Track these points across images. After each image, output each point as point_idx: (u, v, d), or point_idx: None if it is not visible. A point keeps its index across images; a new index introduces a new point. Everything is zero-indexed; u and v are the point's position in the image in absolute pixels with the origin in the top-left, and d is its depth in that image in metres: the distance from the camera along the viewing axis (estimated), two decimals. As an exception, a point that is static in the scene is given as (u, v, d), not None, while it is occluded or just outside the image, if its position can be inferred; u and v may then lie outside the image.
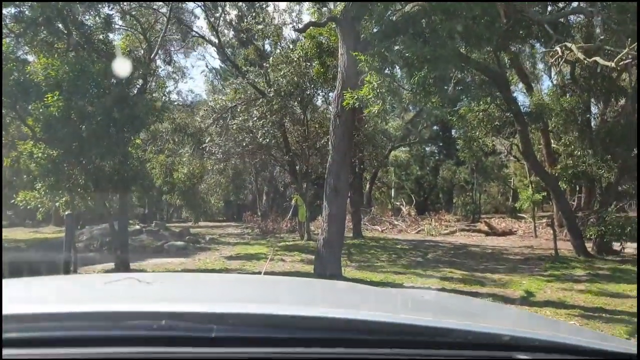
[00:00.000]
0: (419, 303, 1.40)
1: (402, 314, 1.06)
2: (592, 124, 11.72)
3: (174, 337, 0.74)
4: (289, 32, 15.17)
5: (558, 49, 6.00)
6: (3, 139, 8.07)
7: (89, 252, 10.34)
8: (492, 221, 17.61)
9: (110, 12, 9.87)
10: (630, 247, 9.71)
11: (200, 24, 31.79)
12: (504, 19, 6.42)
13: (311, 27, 9.55)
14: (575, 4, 8.69)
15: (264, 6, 14.35)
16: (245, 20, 14.99)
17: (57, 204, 8.04)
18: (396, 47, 6.60)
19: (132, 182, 8.18)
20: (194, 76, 53.08)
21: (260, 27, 13.77)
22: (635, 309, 5.24)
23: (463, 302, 1.81)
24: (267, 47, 15.84)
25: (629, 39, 5.15)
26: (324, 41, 10.35)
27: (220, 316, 0.78)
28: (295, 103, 12.68)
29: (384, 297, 1.56)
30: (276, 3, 14.68)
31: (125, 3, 10.75)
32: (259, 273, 6.88)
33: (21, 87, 7.03)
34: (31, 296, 1.15)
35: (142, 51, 10.55)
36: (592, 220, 10.27)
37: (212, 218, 21.02)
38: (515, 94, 12.17)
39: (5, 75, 6.78)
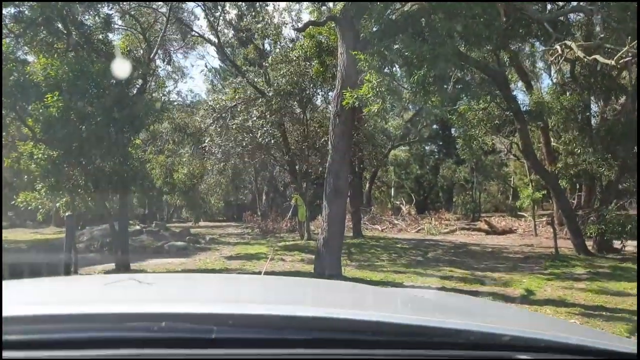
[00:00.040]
0: (419, 302, 1.40)
1: (403, 314, 1.06)
2: (592, 122, 11.72)
3: (174, 338, 0.74)
4: (288, 32, 15.18)
5: (558, 47, 5.99)
6: (3, 139, 8.07)
7: (90, 253, 10.35)
8: (492, 220, 17.60)
9: (110, 12, 9.87)
10: (631, 245, 9.72)
11: (200, 24, 31.77)
12: (504, 18, 6.41)
13: (310, 27, 9.54)
14: (575, 2, 8.69)
15: (264, 5, 14.34)
16: (245, 19, 14.98)
17: (57, 204, 8.04)
18: (395, 46, 6.60)
19: (132, 183, 8.18)
20: (193, 76, 53.09)
21: (259, 26, 13.76)
22: (635, 307, 5.24)
23: (463, 301, 1.81)
24: (267, 47, 15.84)
25: (629, 37, 5.14)
26: (323, 40, 10.34)
27: (220, 317, 0.78)
28: (295, 103, 12.68)
29: (384, 296, 1.55)
30: (276, 3, 14.65)
31: (124, 3, 10.74)
32: (259, 273, 6.88)
33: (21, 87, 7.02)
34: (31, 298, 1.15)
35: (141, 51, 10.55)
36: (592, 218, 10.27)
37: (212, 218, 21.03)
38: (514, 93, 12.16)
39: (5, 76, 6.78)
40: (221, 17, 14.49)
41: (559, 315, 5.05)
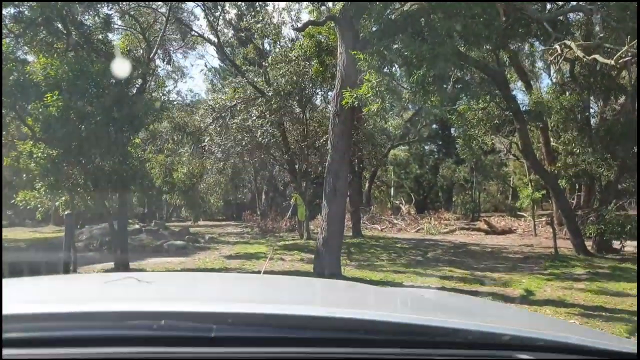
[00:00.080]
0: (419, 302, 1.40)
1: (402, 314, 1.06)
2: (592, 122, 11.72)
3: (173, 336, 0.74)
4: (288, 31, 15.18)
5: (557, 47, 5.99)
6: (3, 138, 8.06)
7: (89, 252, 10.34)
8: (492, 220, 17.61)
9: (110, 12, 9.86)
10: (630, 246, 9.73)
11: (200, 23, 31.74)
12: (503, 17, 6.42)
13: (310, 26, 9.54)
14: (574, 2, 8.68)
15: (264, 5, 14.34)
16: (245, 19, 14.97)
17: (56, 203, 8.04)
18: (395, 46, 6.60)
19: (131, 182, 8.18)
20: (193, 75, 53.05)
21: (259, 26, 13.75)
22: (635, 308, 5.25)
23: (463, 301, 1.81)
24: (267, 47, 15.84)
25: (629, 37, 5.14)
26: (322, 40, 10.34)
27: (219, 316, 0.78)
28: (294, 102, 12.68)
29: (384, 296, 1.56)
30: (275, 2, 14.65)
31: (124, 3, 10.73)
32: (259, 272, 6.88)
33: (21, 87, 7.02)
34: (31, 296, 1.15)
35: (141, 51, 10.54)
36: (591, 218, 10.28)
37: (211, 217, 21.02)
38: (514, 92, 12.16)
39: (5, 75, 6.77)
40: (221, 17, 14.48)
41: (559, 316, 5.05)
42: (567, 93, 10.93)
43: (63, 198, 7.81)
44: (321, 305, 1.21)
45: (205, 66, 25.30)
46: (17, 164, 7.85)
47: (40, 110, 6.99)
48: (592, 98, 11.65)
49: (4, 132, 8.20)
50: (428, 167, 24.99)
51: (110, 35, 9.58)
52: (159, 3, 11.47)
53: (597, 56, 5.76)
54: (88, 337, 0.73)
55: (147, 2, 11.49)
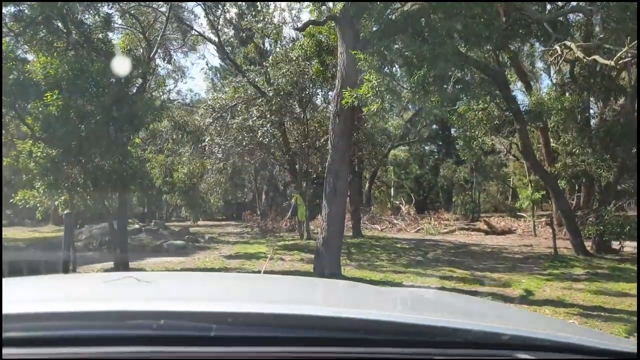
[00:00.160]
0: (419, 302, 1.40)
1: (402, 313, 1.06)
2: (592, 122, 11.73)
3: (173, 336, 0.74)
4: (289, 31, 15.17)
5: (557, 47, 6.00)
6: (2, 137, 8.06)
7: (88, 251, 10.34)
8: (492, 220, 17.62)
9: (110, 11, 9.85)
10: (629, 246, 9.74)
11: (201, 22, 31.72)
12: (503, 18, 6.41)
13: (310, 26, 9.54)
14: (574, 2, 8.69)
15: (264, 5, 14.32)
16: (245, 18, 14.96)
17: (56, 203, 8.02)
18: (395, 46, 6.60)
19: (131, 181, 8.18)
20: (193, 75, 53.03)
21: (259, 25, 13.75)
22: (634, 308, 5.26)
23: (463, 301, 1.81)
24: (267, 46, 15.83)
25: (629, 38, 5.14)
26: (323, 40, 10.35)
27: (219, 315, 0.78)
28: (295, 102, 12.67)
29: (384, 296, 1.56)
30: (276, 2, 14.65)
31: (124, 2, 10.72)
32: (259, 272, 6.88)
33: (20, 86, 7.01)
34: (31, 295, 1.14)
35: (141, 50, 10.53)
36: (591, 219, 10.29)
37: (211, 217, 21.02)
38: (514, 93, 12.16)
39: (5, 74, 6.76)
40: (221, 16, 14.48)
41: (558, 316, 5.06)
42: (567, 94, 10.94)
43: (62, 197, 7.80)
44: (321, 305, 1.21)
45: (206, 65, 25.32)
46: (17, 163, 7.84)
47: (40, 109, 6.98)
48: (592, 99, 11.66)
49: (3, 131, 8.19)
50: (428, 168, 25.01)
51: (110, 35, 9.58)
52: (160, 2, 11.47)
53: (597, 57, 5.77)
54: (88, 337, 0.73)
55: (147, 2, 11.48)
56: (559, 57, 6.20)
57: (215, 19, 14.08)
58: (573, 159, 10.54)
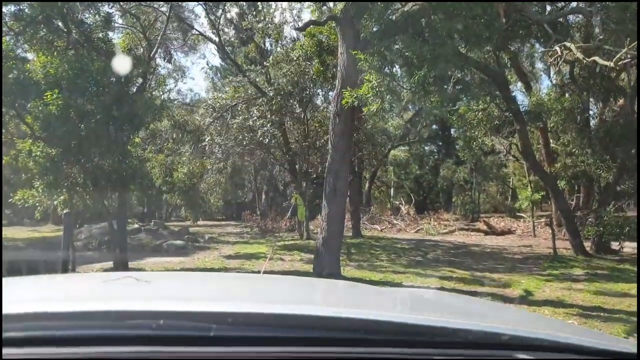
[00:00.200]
0: (419, 302, 1.40)
1: (401, 313, 1.06)
2: (591, 123, 11.74)
3: (173, 336, 0.74)
4: (289, 31, 15.18)
5: (557, 48, 6.00)
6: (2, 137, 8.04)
7: (88, 251, 10.33)
8: (491, 220, 17.63)
9: (110, 11, 9.85)
10: (629, 247, 9.75)
11: (201, 22, 31.70)
12: (504, 19, 6.42)
13: (311, 26, 9.54)
14: (574, 3, 8.69)
15: (265, 5, 14.32)
16: (246, 18, 14.96)
17: (55, 202, 8.02)
18: (396, 46, 6.60)
19: (131, 181, 8.17)
20: (194, 75, 53.02)
21: (260, 25, 13.75)
22: (633, 308, 5.26)
23: (463, 301, 1.81)
24: (268, 45, 15.83)
25: (628, 39, 5.15)
26: (323, 40, 10.35)
27: (219, 315, 0.78)
28: (295, 102, 12.68)
29: (383, 296, 1.56)
30: (276, 2, 14.65)
31: (124, 2, 10.71)
32: (258, 272, 6.88)
33: (20, 85, 7.00)
34: (30, 295, 1.14)
35: (141, 49, 10.52)
36: (590, 219, 10.30)
37: (211, 217, 21.01)
38: (514, 94, 12.17)
39: (5, 74, 6.76)
40: (222, 16, 14.48)
41: (557, 316, 5.06)
42: (567, 94, 10.95)
43: (62, 197, 7.79)
44: (321, 305, 1.21)
45: (207, 64, 25.33)
46: (16, 162, 7.83)
47: (40, 108, 6.98)
48: (591, 99, 11.67)
49: (2, 131, 8.18)
50: (428, 168, 25.02)
51: (110, 34, 9.58)
52: (160, 2, 11.46)
53: (596, 58, 5.78)
54: (87, 337, 0.73)
55: (147, 1, 11.47)
56: (559, 58, 6.21)
57: (216, 18, 14.07)
58: (573, 159, 10.55)
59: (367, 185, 21.12)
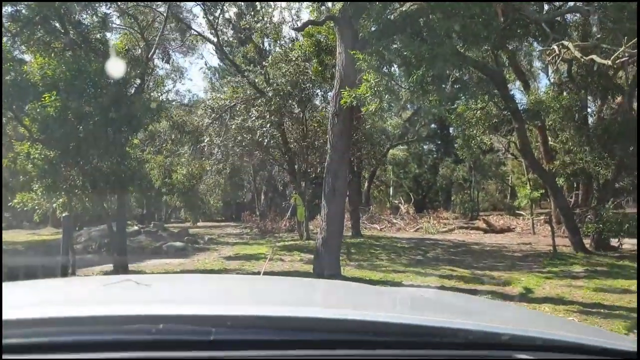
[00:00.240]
0: (419, 302, 1.40)
1: (401, 314, 1.05)
2: (589, 121, 11.76)
3: (172, 340, 0.74)
4: (288, 31, 15.16)
5: (555, 47, 6.01)
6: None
7: (87, 254, 10.31)
8: (491, 219, 17.65)
9: (108, 11, 9.82)
10: (628, 243, 9.77)
11: (199, 21, 31.64)
12: (502, 18, 6.42)
13: (309, 26, 9.53)
14: (571, 2, 8.71)
15: (263, 5, 14.30)
16: (244, 18, 14.94)
17: (54, 205, 8.00)
18: (394, 46, 6.60)
19: (130, 183, 8.15)
20: (192, 76, 52.95)
21: (259, 25, 13.73)
22: (633, 305, 5.27)
23: (463, 300, 1.81)
24: (267, 46, 15.81)
25: (626, 37, 5.16)
26: (322, 40, 10.33)
27: (219, 318, 0.78)
28: (294, 102, 12.67)
29: (383, 296, 1.55)
30: (275, 2, 14.63)
31: (122, 2, 10.69)
32: (258, 273, 6.88)
33: (18, 87, 6.98)
34: (29, 300, 1.14)
35: (139, 50, 10.50)
36: (589, 216, 10.32)
37: (210, 218, 20.99)
38: (512, 92, 12.18)
39: (2, 75, 6.74)
40: (220, 16, 14.45)
41: (558, 313, 5.07)
42: (565, 93, 10.96)
43: (61, 200, 7.78)
44: (321, 307, 1.21)
45: (205, 65, 25.29)
46: (14, 165, 7.81)
47: (38, 110, 6.95)
48: (589, 97, 11.69)
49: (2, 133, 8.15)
50: (427, 167, 25.04)
51: (108, 35, 9.56)
52: (158, 2, 11.43)
53: (594, 56, 5.78)
54: (87, 342, 0.73)
55: (145, 1, 11.44)
56: (557, 57, 6.21)
57: (214, 18, 14.05)
58: (571, 157, 10.56)
59: (366, 184, 21.13)
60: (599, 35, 6.04)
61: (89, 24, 8.99)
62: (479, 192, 23.66)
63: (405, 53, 6.22)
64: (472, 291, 6.27)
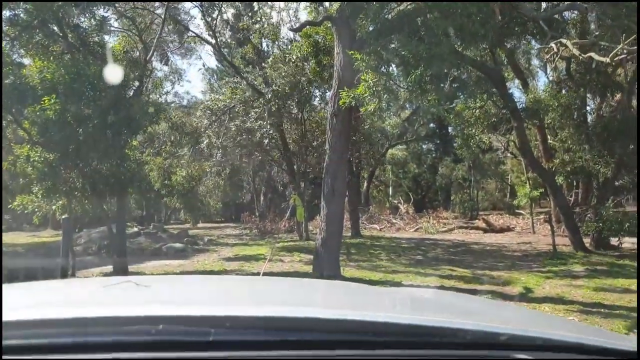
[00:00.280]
0: (418, 302, 1.40)
1: (401, 314, 1.06)
2: (588, 119, 11.77)
3: (171, 341, 0.74)
4: (286, 32, 15.17)
5: (553, 45, 6.02)
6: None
7: (87, 256, 10.31)
8: (490, 218, 17.66)
9: (106, 14, 9.82)
10: (628, 242, 9.78)
11: (197, 23, 31.63)
12: (499, 16, 6.43)
13: (307, 26, 9.54)
14: (569, 0, 8.71)
15: (261, 5, 14.31)
16: (242, 19, 14.95)
17: (54, 207, 8.00)
18: (392, 46, 6.61)
19: (129, 185, 8.16)
20: (190, 77, 52.99)
21: (257, 26, 13.74)
22: (633, 304, 5.27)
23: (462, 300, 1.81)
24: (265, 46, 15.82)
25: (624, 34, 5.17)
26: (320, 40, 10.34)
27: (218, 319, 0.78)
28: (293, 103, 12.68)
29: (383, 296, 1.56)
30: (273, 3, 14.64)
31: (120, 4, 10.69)
32: (258, 274, 6.87)
33: (17, 90, 6.99)
34: (30, 302, 1.14)
35: (138, 52, 10.51)
36: (589, 215, 10.32)
37: (210, 219, 20.99)
38: (511, 91, 12.20)
39: (1, 79, 6.74)
40: (218, 17, 14.45)
41: (558, 313, 5.07)
42: (564, 91, 10.97)
43: (60, 202, 7.78)
44: (321, 307, 1.21)
45: (203, 66, 25.28)
46: (14, 168, 7.81)
47: (37, 113, 6.96)
48: (588, 95, 11.69)
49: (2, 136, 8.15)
50: (426, 166, 25.06)
51: (106, 38, 9.57)
52: (156, 4, 11.44)
53: (592, 54, 5.78)
54: (86, 344, 0.73)
55: (143, 3, 11.44)
56: (555, 55, 6.22)
57: (212, 20, 14.05)
58: (570, 155, 10.57)
59: (365, 184, 21.13)
60: (597, 33, 6.05)
61: (87, 27, 8.99)
62: (479, 192, 23.67)
63: (403, 52, 6.22)
64: (472, 291, 6.27)
